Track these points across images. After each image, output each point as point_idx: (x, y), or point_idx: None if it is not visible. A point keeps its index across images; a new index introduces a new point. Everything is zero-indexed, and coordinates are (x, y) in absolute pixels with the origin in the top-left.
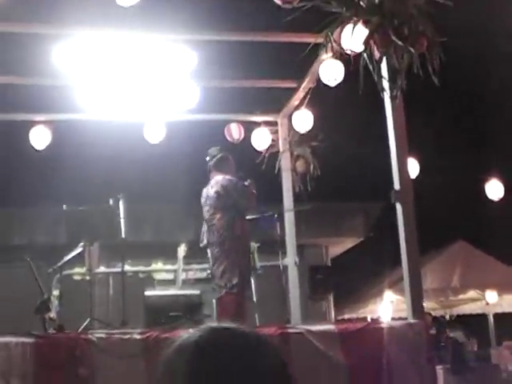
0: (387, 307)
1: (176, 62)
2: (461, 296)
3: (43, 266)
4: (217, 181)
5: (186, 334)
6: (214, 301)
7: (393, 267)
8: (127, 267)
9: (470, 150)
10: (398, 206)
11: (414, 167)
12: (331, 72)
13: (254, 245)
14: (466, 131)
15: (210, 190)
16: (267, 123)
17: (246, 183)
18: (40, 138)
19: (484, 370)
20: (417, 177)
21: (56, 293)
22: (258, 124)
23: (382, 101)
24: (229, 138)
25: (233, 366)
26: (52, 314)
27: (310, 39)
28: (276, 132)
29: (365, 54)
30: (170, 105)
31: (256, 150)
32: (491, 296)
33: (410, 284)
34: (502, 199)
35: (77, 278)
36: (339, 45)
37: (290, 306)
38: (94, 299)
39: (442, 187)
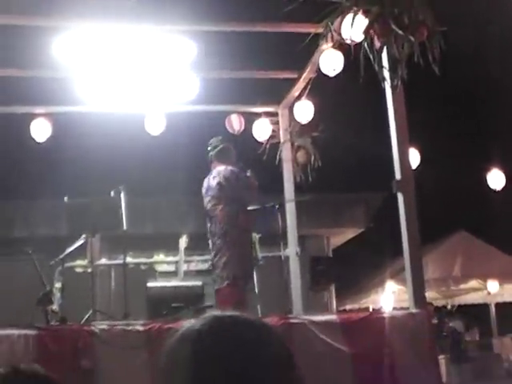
0: (389, 297)
1: (175, 53)
2: (462, 286)
3: (45, 259)
4: (219, 171)
5: (189, 323)
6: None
7: (394, 257)
8: (129, 259)
9: (472, 139)
10: (400, 196)
11: (414, 157)
12: (331, 62)
13: (255, 236)
14: (467, 121)
15: (211, 181)
16: (268, 114)
17: (247, 174)
18: (41, 131)
19: (486, 359)
20: (418, 167)
21: (58, 285)
22: (258, 115)
23: (382, 91)
24: (229, 130)
25: (236, 354)
26: (54, 307)
27: (310, 29)
28: (277, 123)
29: (365, 44)
30: (170, 96)
31: (257, 141)
32: (493, 286)
33: (412, 274)
34: (503, 189)
35: (79, 270)
36: (339, 35)
37: (291, 297)
38: (96, 291)
39: (443, 177)
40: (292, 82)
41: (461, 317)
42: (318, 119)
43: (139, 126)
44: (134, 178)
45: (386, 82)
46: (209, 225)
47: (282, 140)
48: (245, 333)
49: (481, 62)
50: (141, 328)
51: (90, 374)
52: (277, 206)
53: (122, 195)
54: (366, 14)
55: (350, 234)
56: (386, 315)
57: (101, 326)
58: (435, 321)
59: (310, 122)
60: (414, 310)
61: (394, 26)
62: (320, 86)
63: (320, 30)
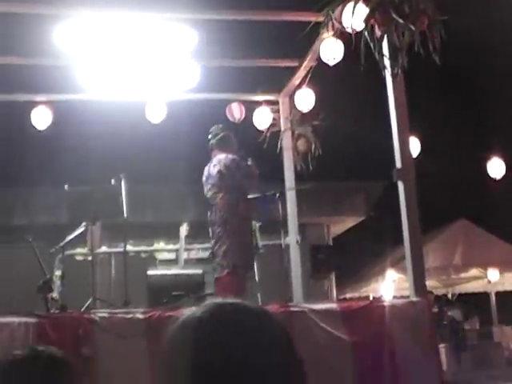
0: (389, 286)
1: (177, 42)
2: (463, 274)
3: (45, 247)
4: (219, 160)
5: (191, 310)
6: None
7: (394, 246)
8: (129, 247)
9: (472, 128)
10: (400, 185)
11: (415, 146)
12: (331, 51)
13: (255, 224)
14: (468, 110)
15: (212, 169)
16: (268, 102)
17: (248, 163)
18: (41, 119)
19: (486, 347)
20: (418, 155)
21: (58, 273)
22: (259, 103)
23: (383, 79)
24: (230, 118)
25: (237, 340)
26: (54, 294)
27: (311, 18)
28: (277, 111)
29: (366, 33)
30: (170, 84)
31: (257, 130)
32: (493, 274)
33: (412, 262)
34: (503, 177)
35: (79, 258)
36: (340, 23)
37: (291, 285)
38: (96, 279)
39: (443, 166)
40: (293, 71)
41: (460, 306)
42: (319, 108)
43: (140, 114)
44: (134, 166)
45: (386, 71)
46: (209, 213)
47: (282, 128)
48: (246, 320)
49: (482, 51)
50: (141, 316)
51: (90, 361)
52: (277, 195)
53: (123, 183)
54: (367, 2)
55: (350, 222)
56: (386, 304)
57: (101, 313)
58: (435, 309)
59: (310, 111)
60: (414, 299)
61: (394, 15)
62: (321, 75)
63: (321, 19)
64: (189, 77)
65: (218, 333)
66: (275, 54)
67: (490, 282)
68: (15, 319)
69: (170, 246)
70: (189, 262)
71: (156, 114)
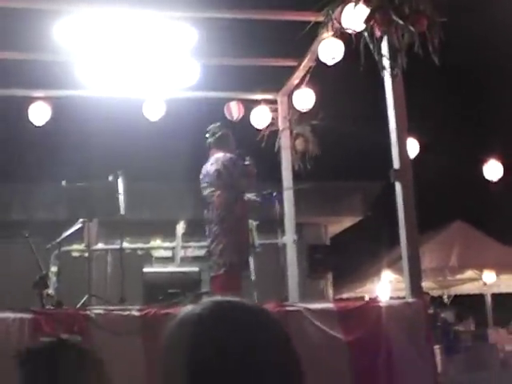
0: (385, 286)
1: (176, 39)
2: (458, 276)
3: (42, 242)
4: (217, 158)
5: (189, 307)
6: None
7: (391, 247)
8: (126, 244)
9: (470, 130)
10: (397, 186)
11: (413, 147)
12: (330, 51)
13: (252, 223)
14: (465, 111)
15: (209, 167)
16: (267, 101)
17: (246, 162)
18: (39, 114)
19: (481, 349)
20: (416, 156)
21: (54, 269)
22: (257, 102)
23: (382, 79)
24: (228, 117)
25: (236, 338)
26: (50, 290)
27: (311, 18)
28: (276, 110)
29: (365, 33)
30: (169, 82)
31: (256, 128)
32: (489, 276)
33: (409, 263)
34: (500, 179)
35: (75, 254)
36: (340, 23)
37: (288, 285)
38: (92, 276)
39: (440, 167)
40: (292, 70)
41: (453, 307)
42: (318, 107)
43: (139, 112)
44: (132, 163)
45: (385, 71)
46: (206, 211)
47: (280, 128)
48: (244, 317)
49: (481, 52)
50: (137, 313)
51: None
52: (275, 194)
53: (120, 180)
54: (367, 3)
55: (347, 222)
56: (382, 304)
57: (96, 310)
58: (431, 311)
59: (309, 110)
60: (410, 300)
61: (394, 16)
62: (320, 74)
63: (320, 19)
64: (188, 75)
65: (217, 330)
66: (275, 53)
67: (485, 283)
68: (10, 315)
69: (167, 244)
70: (185, 260)
71: (155, 112)
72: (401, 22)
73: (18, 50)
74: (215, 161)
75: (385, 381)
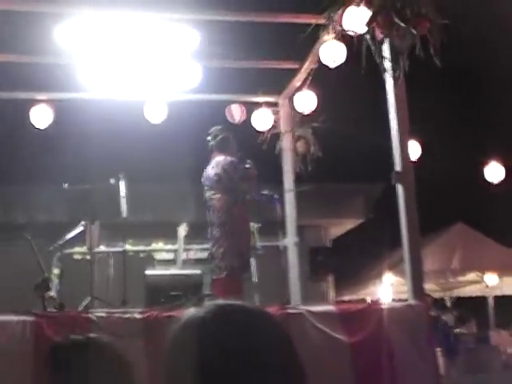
0: (387, 289)
1: (178, 42)
2: (460, 278)
3: (44, 245)
4: (217, 162)
5: (192, 310)
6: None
7: (393, 249)
8: (128, 247)
9: (471, 132)
10: (399, 188)
11: (415, 149)
12: (331, 53)
13: (253, 225)
14: (466, 113)
15: (209, 171)
16: (268, 104)
17: (246, 165)
18: (41, 117)
19: (483, 351)
20: (417, 159)
21: (56, 271)
22: (259, 105)
23: (383, 82)
24: (230, 119)
25: (239, 341)
26: (52, 293)
27: (312, 20)
28: (277, 113)
29: (367, 36)
30: (171, 84)
31: (257, 131)
32: (491, 279)
33: (411, 265)
34: (502, 182)
35: (77, 257)
36: (341, 26)
37: (289, 287)
38: (94, 278)
39: (442, 169)
40: (293, 73)
41: (455, 310)
42: (319, 110)
43: (141, 114)
44: (134, 165)
45: (387, 74)
46: (207, 214)
47: (282, 130)
48: (247, 321)
49: (482, 55)
50: (139, 316)
51: None
52: (276, 196)
53: (122, 183)
54: (369, 5)
55: (349, 224)
56: (384, 306)
57: (98, 313)
58: (433, 313)
59: (310, 113)
60: (412, 302)
61: (396, 19)
62: (321, 77)
63: (322, 21)
64: (190, 77)
65: (220, 333)
66: (276, 56)
67: (487, 286)
68: (13, 317)
69: (169, 246)
70: (187, 263)
71: (156, 114)
72: (402, 24)
73: (19, 53)
74: (216, 164)
75: (387, 383)
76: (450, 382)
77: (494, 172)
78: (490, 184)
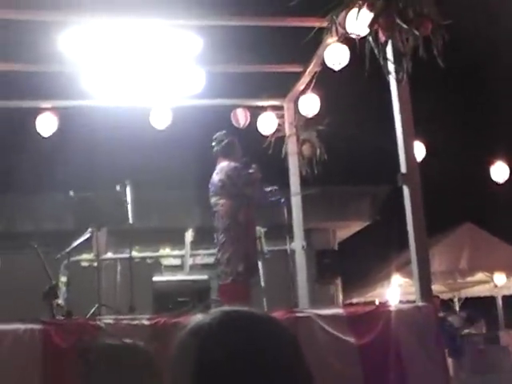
0: (395, 290)
1: (181, 48)
2: (469, 278)
3: (50, 253)
4: (222, 168)
5: (199, 317)
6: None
7: (400, 250)
8: (135, 253)
9: (476, 132)
10: (405, 189)
11: (420, 150)
12: (336, 56)
13: (260, 229)
14: (471, 113)
15: (214, 177)
16: (273, 108)
17: (250, 170)
18: (47, 125)
19: (492, 352)
20: (423, 160)
21: (63, 279)
22: (264, 108)
23: (388, 83)
24: (235, 124)
25: (245, 347)
26: (60, 301)
27: (315, 23)
28: (282, 116)
29: (370, 38)
30: (175, 90)
31: (262, 135)
32: (499, 278)
33: (418, 267)
34: (508, 181)
35: (84, 264)
36: (344, 29)
37: (297, 291)
38: (102, 285)
39: (448, 170)
40: (297, 76)
41: (460, 312)
42: (324, 112)
43: (146, 120)
44: (139, 171)
45: (391, 76)
46: (213, 219)
47: (287, 133)
48: (254, 327)
49: (487, 55)
50: (147, 322)
51: None
52: (283, 200)
53: (128, 189)
54: (371, 8)
55: (355, 227)
56: (392, 308)
57: (106, 320)
58: (441, 314)
59: (315, 116)
60: (420, 303)
61: (398, 20)
62: (325, 80)
63: (325, 24)
64: (194, 82)
65: (227, 339)
66: (280, 59)
67: (496, 285)
68: (21, 326)
69: (176, 252)
70: (194, 268)
71: (161, 120)
72: (405, 25)
73: (24, 62)
74: (220, 170)
75: None
76: (459, 382)
77: (499, 171)
78: (495, 183)
